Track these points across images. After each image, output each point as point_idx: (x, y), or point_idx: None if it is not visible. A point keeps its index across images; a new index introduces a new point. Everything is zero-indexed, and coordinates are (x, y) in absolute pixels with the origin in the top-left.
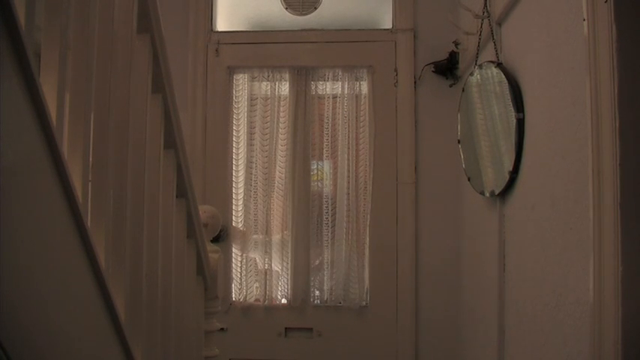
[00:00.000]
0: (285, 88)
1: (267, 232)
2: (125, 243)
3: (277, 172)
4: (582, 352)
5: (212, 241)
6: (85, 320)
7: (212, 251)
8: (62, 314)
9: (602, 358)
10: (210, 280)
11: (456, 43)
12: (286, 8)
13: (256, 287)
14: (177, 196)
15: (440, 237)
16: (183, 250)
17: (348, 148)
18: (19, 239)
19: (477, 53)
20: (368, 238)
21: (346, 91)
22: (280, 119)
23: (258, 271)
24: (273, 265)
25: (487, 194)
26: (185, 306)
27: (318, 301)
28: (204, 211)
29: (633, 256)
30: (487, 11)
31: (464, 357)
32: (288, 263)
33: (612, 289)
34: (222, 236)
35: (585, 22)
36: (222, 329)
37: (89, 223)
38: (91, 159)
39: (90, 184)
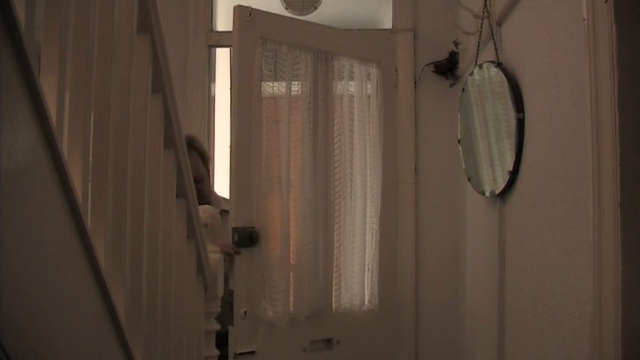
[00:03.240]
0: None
1: (288, 239)
2: (125, 243)
3: (293, 175)
4: (582, 352)
5: (245, 246)
6: (85, 320)
7: (212, 251)
8: (62, 314)
9: (602, 358)
10: (211, 280)
11: (456, 43)
12: (286, 8)
13: (281, 299)
14: (177, 196)
15: (440, 237)
16: (183, 250)
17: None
18: (19, 239)
19: (477, 53)
20: (375, 241)
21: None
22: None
23: (278, 283)
24: (294, 275)
25: (487, 194)
26: (185, 306)
27: (334, 310)
28: (204, 211)
29: (633, 256)
30: (487, 11)
31: (464, 356)
32: (310, 272)
33: (612, 289)
34: (252, 238)
35: (585, 22)
36: (251, 352)
37: (89, 223)
38: (91, 159)
39: (90, 184)
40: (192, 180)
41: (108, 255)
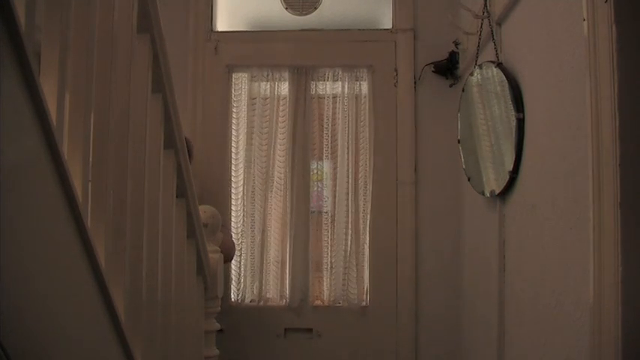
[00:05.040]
0: (285, 88)
1: (266, 232)
2: (125, 243)
3: (276, 172)
4: (582, 352)
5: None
6: (85, 320)
7: (212, 251)
8: (62, 314)
9: (602, 358)
10: (210, 280)
11: (456, 43)
12: (286, 8)
13: (255, 287)
14: (177, 196)
15: (440, 237)
16: (183, 250)
17: (348, 148)
18: (20, 239)
19: (477, 53)
20: (368, 238)
21: (346, 91)
22: (280, 119)
23: (257, 271)
24: (271, 265)
25: (487, 194)
26: (185, 306)
27: (318, 302)
28: (204, 211)
29: (633, 256)
30: (487, 11)
31: (464, 357)
32: (287, 263)
33: (612, 289)
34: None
35: (585, 22)
36: (220, 330)
37: (89, 223)
38: (91, 159)
39: (90, 184)
40: (192, 180)
41: (108, 255)
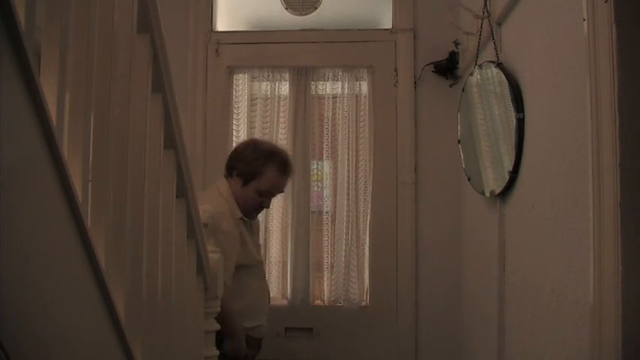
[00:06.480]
0: (285, 88)
1: (268, 231)
2: (125, 243)
3: None
4: (582, 352)
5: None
6: (85, 320)
7: (212, 251)
8: (62, 314)
9: (602, 358)
10: (210, 280)
11: (456, 43)
12: (286, 8)
13: None
14: (177, 196)
15: (440, 237)
16: (183, 250)
17: (348, 148)
18: (19, 239)
19: (477, 53)
20: (368, 238)
21: (346, 91)
22: (280, 119)
23: None
24: (274, 265)
25: (487, 194)
26: (185, 306)
27: (318, 301)
28: (204, 210)
29: (633, 256)
30: (487, 11)
31: (464, 357)
32: (287, 263)
33: (612, 289)
34: None
35: (585, 22)
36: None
37: (89, 223)
38: (91, 159)
39: (90, 184)
40: (192, 180)
41: (108, 255)
